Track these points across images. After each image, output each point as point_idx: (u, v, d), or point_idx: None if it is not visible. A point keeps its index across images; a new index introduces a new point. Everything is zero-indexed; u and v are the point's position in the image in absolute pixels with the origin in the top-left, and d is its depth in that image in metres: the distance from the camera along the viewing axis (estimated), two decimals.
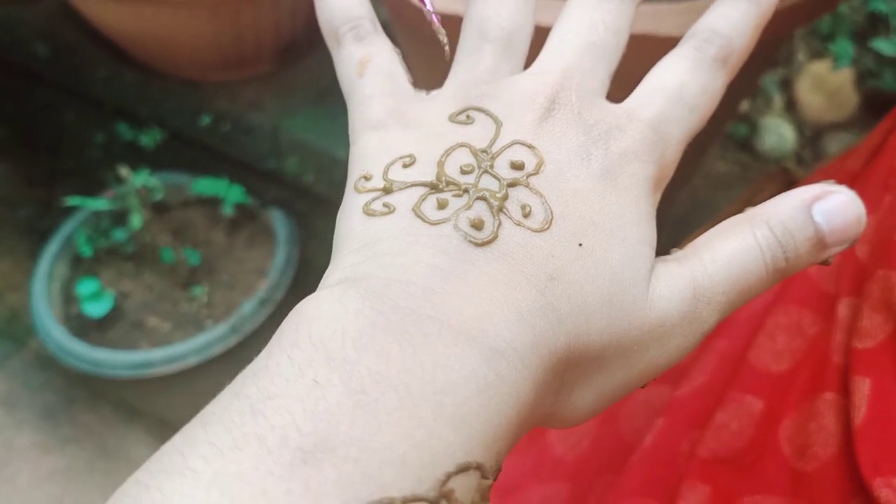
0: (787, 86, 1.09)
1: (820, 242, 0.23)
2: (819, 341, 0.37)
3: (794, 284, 0.39)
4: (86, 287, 0.91)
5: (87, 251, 0.97)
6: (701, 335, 0.23)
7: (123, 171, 0.89)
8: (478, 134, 0.24)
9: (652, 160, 0.24)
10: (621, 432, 0.44)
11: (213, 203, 1.00)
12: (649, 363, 0.23)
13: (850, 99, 1.06)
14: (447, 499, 0.17)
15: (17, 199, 1.20)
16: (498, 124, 0.24)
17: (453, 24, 0.27)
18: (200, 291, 0.95)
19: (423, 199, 0.23)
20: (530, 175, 0.23)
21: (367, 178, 0.24)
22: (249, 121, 0.93)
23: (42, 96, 1.22)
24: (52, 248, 0.97)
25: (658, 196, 0.25)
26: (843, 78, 1.05)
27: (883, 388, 0.33)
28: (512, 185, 0.23)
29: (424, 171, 0.23)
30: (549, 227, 0.22)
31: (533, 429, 0.49)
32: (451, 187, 0.23)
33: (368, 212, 0.23)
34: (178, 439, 0.17)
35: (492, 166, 0.23)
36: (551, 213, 0.22)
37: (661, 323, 0.22)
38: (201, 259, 0.96)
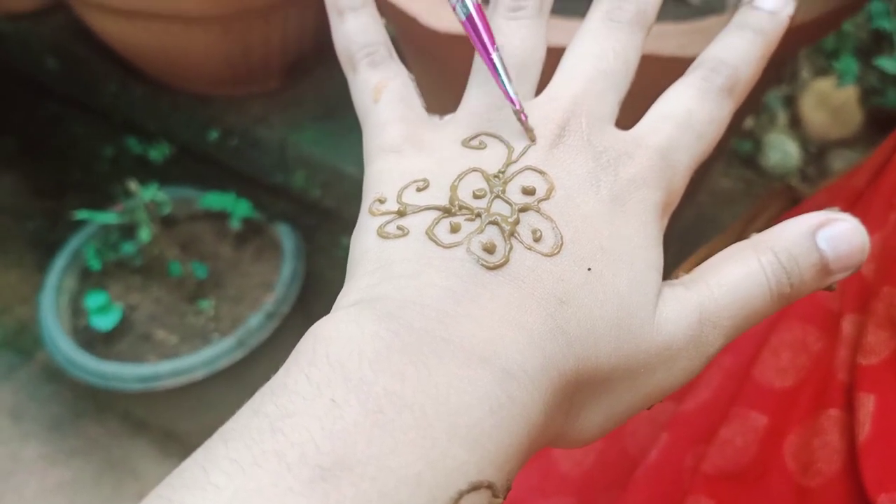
0: (791, 103, 1.09)
1: (824, 269, 0.24)
2: (823, 358, 0.37)
3: (798, 301, 0.39)
4: (94, 300, 0.92)
5: (95, 264, 0.97)
6: (706, 358, 0.24)
7: (132, 185, 0.90)
8: (490, 159, 0.25)
9: (660, 186, 0.25)
10: (626, 448, 0.44)
11: (220, 217, 1.00)
12: (656, 385, 0.23)
13: (854, 116, 1.07)
14: None
15: (25, 211, 1.21)
16: (510, 150, 0.25)
17: (467, 45, 0.27)
18: (207, 305, 0.95)
19: (437, 223, 0.23)
20: (541, 200, 0.23)
21: (381, 202, 0.24)
22: (257, 135, 0.93)
23: (51, 109, 1.23)
24: (61, 261, 0.97)
25: (665, 221, 0.26)
26: (848, 95, 1.06)
27: (887, 404, 0.33)
28: (523, 209, 0.23)
29: (437, 195, 0.24)
30: (559, 251, 0.23)
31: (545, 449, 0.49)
32: (464, 211, 0.23)
33: (383, 234, 0.23)
34: (199, 455, 0.18)
35: (504, 191, 0.24)
36: (561, 237, 0.23)
37: (667, 346, 0.23)
38: (208, 273, 0.97)
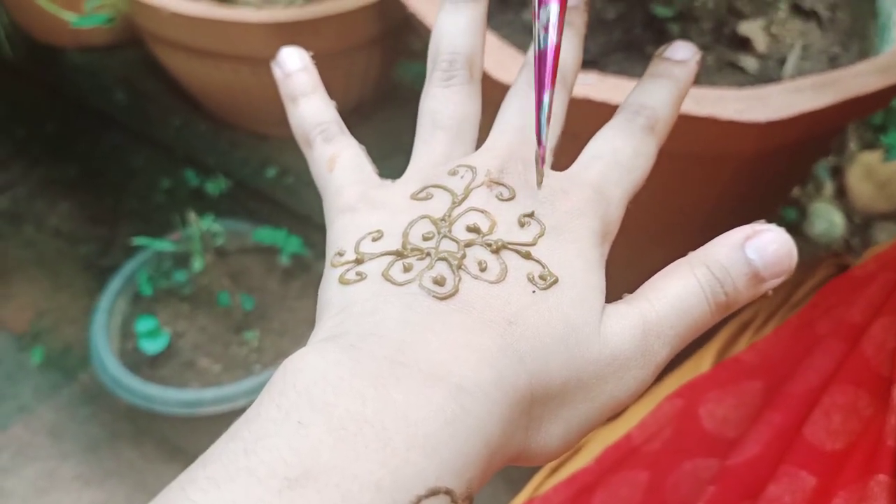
0: (838, 173, 1.10)
1: (755, 277, 0.25)
2: (874, 423, 0.38)
3: (850, 365, 0.40)
4: (144, 324, 0.94)
5: (147, 290, 1.00)
6: (655, 367, 0.26)
7: (191, 215, 0.93)
8: (437, 206, 0.27)
9: (596, 216, 0.27)
10: (667, 502, 0.44)
11: (270, 252, 1.03)
12: (610, 395, 0.25)
13: None
14: None
15: (79, 235, 1.25)
16: (454, 195, 0.27)
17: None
18: (252, 336, 0.97)
19: (391, 265, 0.26)
20: (485, 236, 0.26)
21: (340, 254, 0.27)
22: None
23: (115, 140, 1.28)
24: (115, 284, 1.00)
25: (606, 248, 0.28)
26: (894, 169, 1.06)
27: None
28: (468, 245, 0.26)
29: (391, 243, 0.26)
30: (504, 278, 0.25)
31: (580, 499, 0.49)
32: (415, 253, 0.26)
33: (343, 281, 0.26)
34: (182, 477, 0.19)
35: (450, 231, 0.26)
36: (506, 266, 0.25)
37: (615, 357, 0.25)
38: (255, 305, 0.99)
